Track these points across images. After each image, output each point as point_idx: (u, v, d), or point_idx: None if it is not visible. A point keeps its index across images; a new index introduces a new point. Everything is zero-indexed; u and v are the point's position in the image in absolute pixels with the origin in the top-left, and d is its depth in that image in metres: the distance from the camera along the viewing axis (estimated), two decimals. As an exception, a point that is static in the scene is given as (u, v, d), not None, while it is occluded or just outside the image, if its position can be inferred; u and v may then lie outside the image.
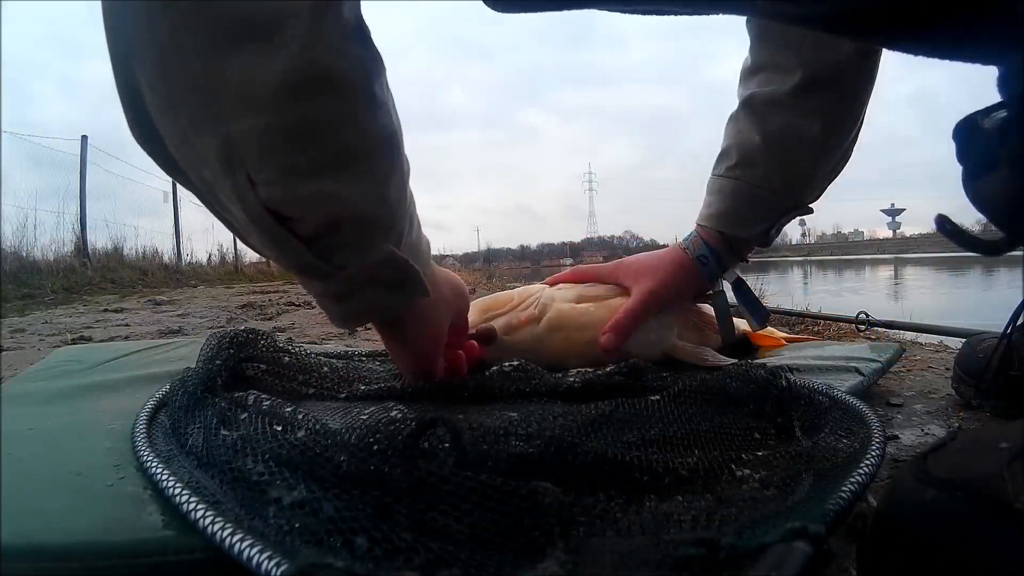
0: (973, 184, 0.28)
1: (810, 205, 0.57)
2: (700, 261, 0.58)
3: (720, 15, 0.28)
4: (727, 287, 0.63)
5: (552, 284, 0.62)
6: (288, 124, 0.27)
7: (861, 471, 0.29)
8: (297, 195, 0.28)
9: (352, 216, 0.30)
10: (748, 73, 0.55)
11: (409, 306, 0.37)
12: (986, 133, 0.27)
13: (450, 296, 0.43)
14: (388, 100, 0.31)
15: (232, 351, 0.42)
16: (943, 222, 0.29)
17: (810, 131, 0.51)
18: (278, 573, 0.20)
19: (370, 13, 0.30)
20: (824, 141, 0.52)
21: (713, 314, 0.65)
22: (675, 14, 0.27)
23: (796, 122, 0.51)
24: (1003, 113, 0.26)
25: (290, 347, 0.47)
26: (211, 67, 0.25)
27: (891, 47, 0.28)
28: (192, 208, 7.28)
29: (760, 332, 0.72)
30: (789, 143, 0.52)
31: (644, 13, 0.28)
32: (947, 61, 0.25)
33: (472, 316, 0.58)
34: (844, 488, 0.27)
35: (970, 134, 0.28)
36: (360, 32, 0.29)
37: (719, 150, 0.57)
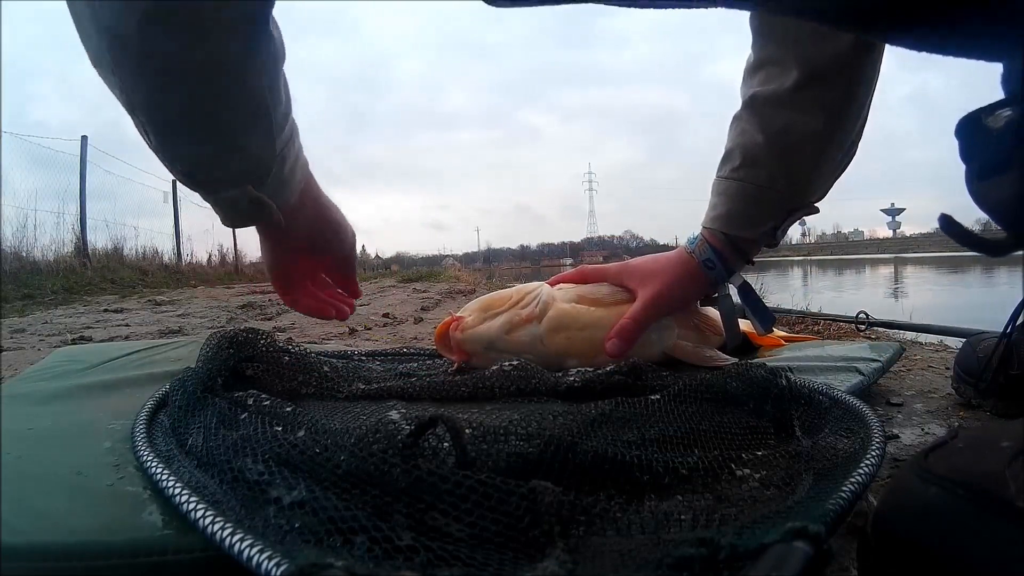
0: (979, 185, 0.28)
1: (815, 204, 0.57)
2: (706, 265, 0.57)
3: (721, 9, 0.28)
4: (733, 291, 0.63)
5: (555, 284, 0.62)
6: (165, 102, 0.35)
7: (861, 471, 0.29)
8: (169, 149, 0.37)
9: (210, 165, 0.38)
10: (750, 70, 0.54)
11: (267, 225, 0.45)
12: (994, 133, 0.26)
13: (320, 233, 0.50)
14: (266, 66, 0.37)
15: (232, 351, 0.42)
16: (947, 221, 0.29)
17: (813, 128, 0.51)
18: (278, 573, 0.20)
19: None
20: (827, 138, 0.52)
21: (713, 315, 0.65)
22: (674, 7, 0.27)
23: (798, 119, 0.51)
24: (1008, 112, 0.26)
25: (290, 347, 0.47)
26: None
27: (892, 41, 0.27)
28: (192, 208, 7.28)
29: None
30: (792, 141, 0.52)
31: (643, 7, 0.28)
32: (948, 56, 0.25)
33: (473, 314, 0.58)
34: (844, 488, 0.27)
35: (975, 133, 0.28)
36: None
37: (723, 151, 0.57)
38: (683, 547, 0.20)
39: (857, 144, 0.55)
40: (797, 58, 0.49)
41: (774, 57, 0.52)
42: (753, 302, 0.62)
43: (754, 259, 0.60)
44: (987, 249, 0.28)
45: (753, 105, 0.53)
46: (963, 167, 0.29)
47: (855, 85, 0.50)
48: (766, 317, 0.62)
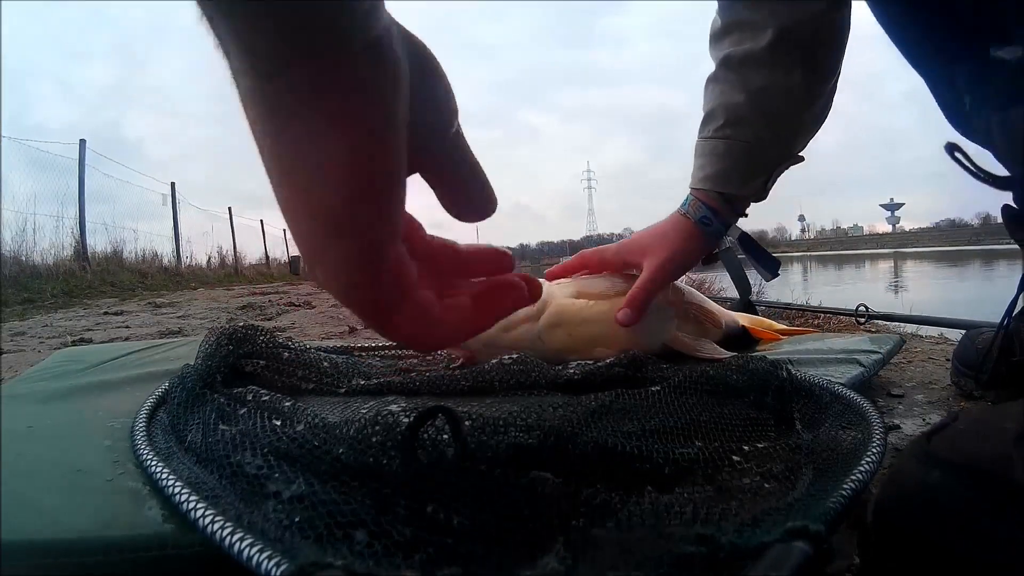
0: (983, 119, 0.28)
1: (799, 154, 0.59)
2: (703, 223, 0.58)
3: None
4: (734, 245, 0.64)
5: (555, 275, 0.63)
6: None
7: (862, 468, 0.29)
8: None
9: None
10: (719, 34, 0.55)
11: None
12: (1010, 64, 0.26)
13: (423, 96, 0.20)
14: None
15: (231, 347, 0.42)
16: (952, 149, 0.29)
17: (791, 83, 0.52)
18: (278, 573, 0.20)
19: None
20: (806, 91, 0.53)
21: (712, 308, 0.65)
22: None
23: (777, 76, 0.52)
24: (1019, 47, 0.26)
25: (289, 343, 0.47)
26: None
27: None
28: (191, 211, 7.28)
29: (760, 326, 0.72)
30: (774, 97, 0.53)
31: None
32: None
33: None
34: (845, 486, 0.27)
35: (984, 65, 0.27)
36: None
37: (703, 113, 0.58)
38: (683, 545, 0.20)
39: (833, 95, 0.56)
40: (772, 21, 0.51)
41: (746, 20, 0.52)
42: (755, 251, 0.63)
43: (746, 211, 0.61)
44: (995, 183, 0.28)
45: (729, 65, 0.54)
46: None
47: (829, 41, 0.52)
48: (770, 263, 0.63)
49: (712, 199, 0.58)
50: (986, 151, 0.48)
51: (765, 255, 0.63)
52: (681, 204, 0.60)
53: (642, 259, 0.59)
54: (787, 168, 0.58)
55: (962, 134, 0.49)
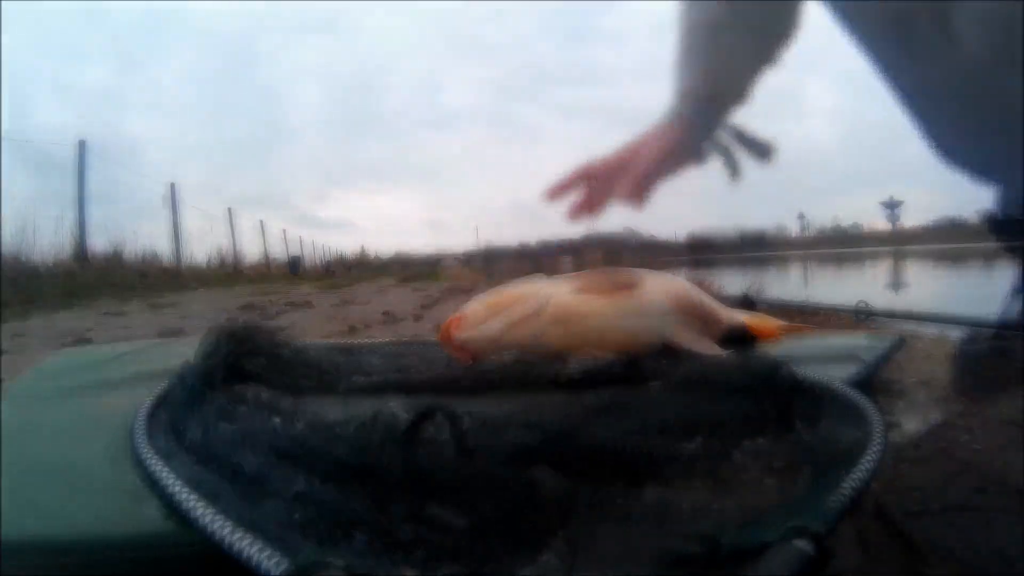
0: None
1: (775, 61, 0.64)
2: (693, 118, 0.63)
3: None
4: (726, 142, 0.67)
5: (555, 193, 0.65)
6: None
7: (862, 467, 0.28)
8: None
9: None
10: None
11: None
12: None
13: None
14: None
15: (231, 346, 0.42)
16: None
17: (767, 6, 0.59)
18: (278, 572, 0.20)
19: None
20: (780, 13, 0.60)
21: (712, 305, 0.65)
22: None
23: None
24: None
25: (289, 342, 0.47)
26: None
27: None
28: (191, 211, 7.28)
29: (760, 323, 0.72)
30: (751, 14, 0.60)
31: None
32: None
33: (477, 312, 0.57)
34: (846, 485, 0.26)
35: None
36: None
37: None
38: (684, 543, 0.20)
39: (802, 11, 0.62)
40: None
41: None
42: (747, 139, 0.67)
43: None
44: None
45: None
46: None
47: None
48: (762, 147, 0.67)
49: (699, 97, 0.63)
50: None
51: (757, 141, 0.66)
52: (671, 109, 0.64)
53: (641, 152, 0.63)
54: (763, 72, 0.64)
55: (943, 155, 0.53)
